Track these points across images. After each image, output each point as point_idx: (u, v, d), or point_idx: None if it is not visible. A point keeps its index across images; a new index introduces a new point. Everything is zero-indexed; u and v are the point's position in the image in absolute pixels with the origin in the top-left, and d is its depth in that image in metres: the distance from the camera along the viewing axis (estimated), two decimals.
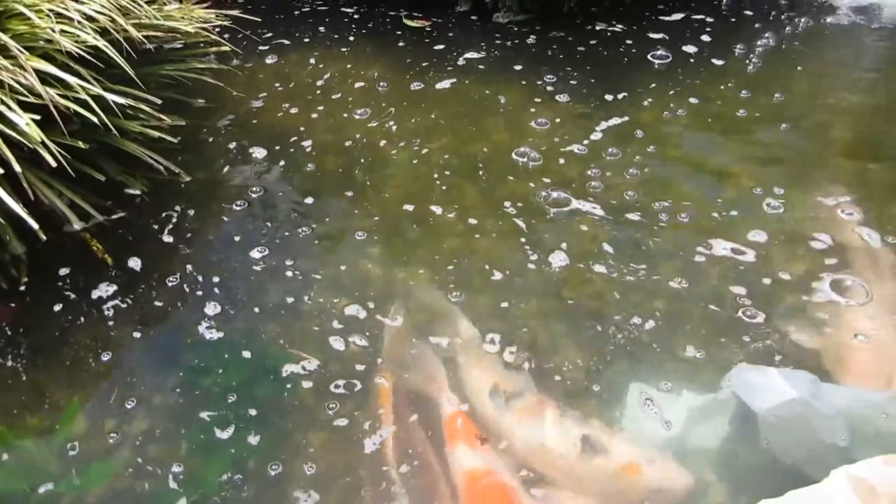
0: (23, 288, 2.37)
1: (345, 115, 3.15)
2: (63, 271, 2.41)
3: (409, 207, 2.67)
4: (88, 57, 2.42)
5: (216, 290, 2.35)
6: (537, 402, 1.99)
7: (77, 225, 2.56)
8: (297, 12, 3.90)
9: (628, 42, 3.54)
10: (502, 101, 3.18)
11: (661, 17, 3.73)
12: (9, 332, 2.25)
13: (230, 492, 1.84)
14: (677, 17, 3.73)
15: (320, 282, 2.38)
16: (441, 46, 3.55)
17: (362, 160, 2.91)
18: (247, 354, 2.14)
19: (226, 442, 1.94)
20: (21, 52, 2.32)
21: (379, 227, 2.59)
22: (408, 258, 2.47)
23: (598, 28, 3.64)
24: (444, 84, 3.31)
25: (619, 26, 3.64)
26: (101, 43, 2.43)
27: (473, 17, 3.79)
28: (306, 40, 3.67)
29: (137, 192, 2.72)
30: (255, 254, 2.48)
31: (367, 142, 3.00)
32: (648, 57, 3.42)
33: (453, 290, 2.33)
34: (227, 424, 1.97)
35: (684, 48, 3.46)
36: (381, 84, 3.33)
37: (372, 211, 2.67)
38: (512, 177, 2.78)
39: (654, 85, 3.22)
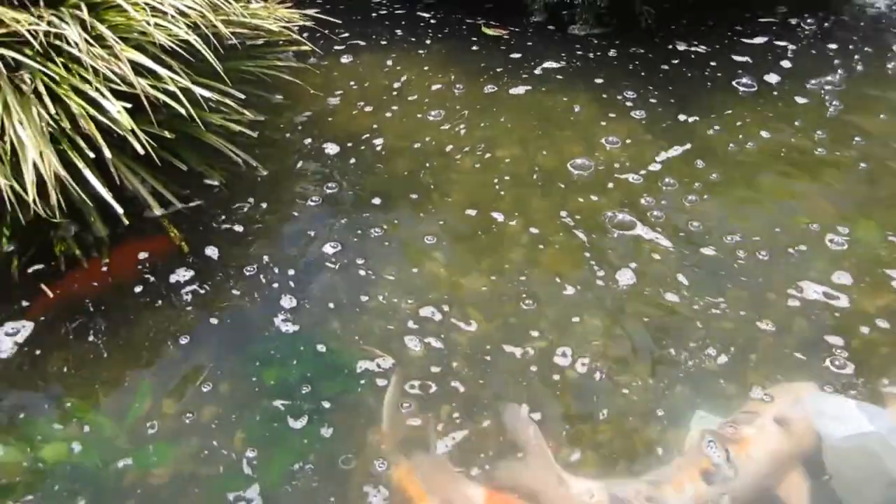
0: (104, 269, 2.43)
1: (418, 115, 3.19)
2: (142, 255, 2.47)
3: (472, 213, 2.69)
4: (179, 50, 2.48)
5: (291, 283, 2.38)
6: None
7: (157, 211, 2.62)
8: (374, 14, 3.95)
9: (712, 64, 3.50)
10: (576, 110, 3.18)
11: (744, 40, 3.67)
12: (92, 310, 2.31)
13: (301, 481, 1.86)
14: (759, 41, 3.67)
15: (392, 282, 2.39)
16: (518, 55, 3.56)
17: (428, 164, 2.93)
18: (321, 348, 2.17)
19: (298, 432, 1.96)
20: (117, 42, 2.39)
21: (445, 232, 2.61)
22: (476, 265, 2.48)
23: (679, 47, 3.61)
24: (519, 90, 3.32)
25: (702, 47, 3.60)
26: (192, 38, 2.49)
27: (550, 28, 3.78)
28: (383, 42, 3.71)
29: (215, 182, 2.78)
30: (328, 249, 2.51)
31: (435, 145, 3.03)
32: (733, 83, 3.36)
33: (525, 299, 2.33)
34: (300, 415, 1.99)
35: (766, 77, 3.40)
36: (457, 87, 3.35)
37: (437, 215, 2.69)
38: (576, 190, 2.78)
39: (729, 111, 3.18)
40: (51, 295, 2.35)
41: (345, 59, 3.57)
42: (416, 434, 1.95)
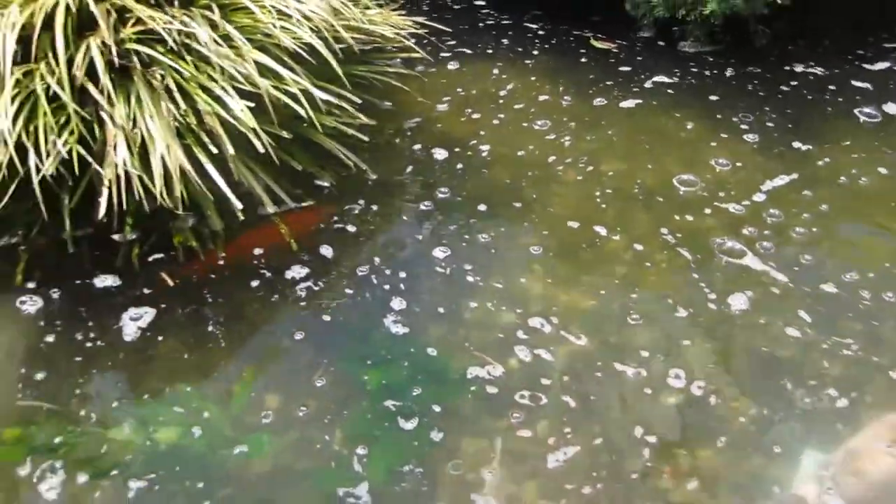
0: (221, 262, 2.50)
1: (524, 124, 3.19)
2: (258, 251, 2.53)
3: (574, 225, 2.67)
4: (302, 53, 2.54)
5: (402, 285, 2.40)
6: None
7: (270, 209, 2.68)
8: (480, 24, 3.97)
9: (831, 88, 3.39)
10: (688, 127, 3.12)
11: (864, 65, 3.54)
12: (209, 300, 2.38)
13: (410, 483, 1.87)
14: (881, 66, 3.54)
15: (500, 291, 2.39)
16: (627, 68, 3.53)
17: (531, 173, 2.93)
18: (431, 352, 2.18)
19: (409, 433, 1.97)
20: (244, 43, 2.47)
21: (549, 243, 2.59)
22: (581, 278, 2.46)
23: (797, 69, 3.51)
24: (629, 104, 3.29)
25: (819, 69, 3.49)
26: (316, 42, 2.55)
27: (660, 43, 3.74)
28: (489, 51, 3.73)
29: (326, 183, 2.83)
30: (438, 253, 2.53)
31: (539, 154, 3.02)
32: (854, 111, 3.25)
33: (633, 316, 2.29)
34: (411, 416, 2.00)
35: (885, 107, 3.26)
36: (565, 98, 3.34)
37: (541, 225, 2.67)
38: (681, 210, 2.72)
39: (847, 142, 3.06)
40: (170, 283, 2.43)
41: (451, 67, 3.60)
42: (525, 446, 1.94)
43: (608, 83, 3.43)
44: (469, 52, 3.73)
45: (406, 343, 2.21)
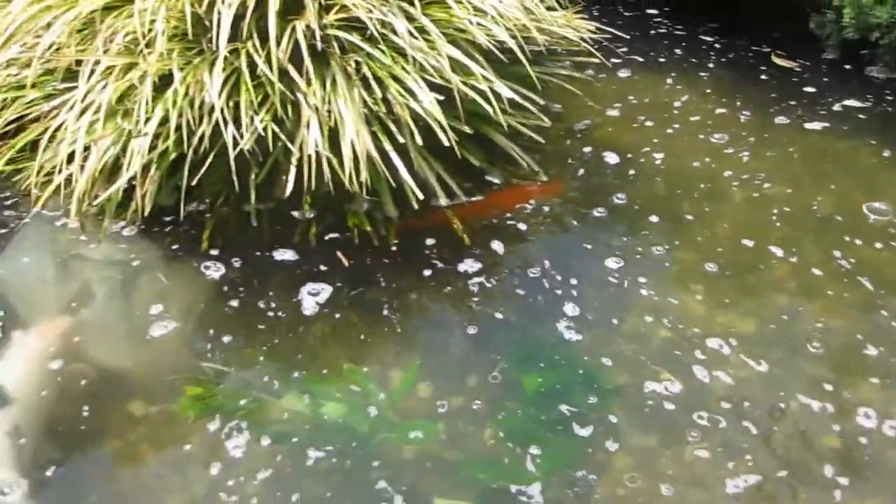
0: (393, 248, 2.56)
1: (700, 136, 3.11)
2: (430, 241, 2.57)
3: (748, 243, 2.58)
4: (494, 50, 2.56)
5: (574, 292, 2.38)
6: None
7: (443, 201, 2.72)
8: (652, 32, 3.90)
9: None
10: (885, 155, 2.95)
11: None
12: (382, 284, 2.43)
13: (584, 489, 1.85)
14: None
15: (676, 307, 2.34)
16: (812, 89, 3.38)
17: (703, 185, 2.85)
18: (607, 362, 2.16)
19: (584, 440, 1.95)
20: (439, 36, 2.50)
21: (725, 261, 2.51)
22: (759, 301, 2.37)
23: None
24: (814, 126, 3.14)
25: None
26: (510, 40, 2.56)
27: (846, 67, 3.56)
28: (661, 60, 3.65)
29: (496, 180, 2.84)
30: (611, 264, 2.49)
31: (716, 167, 2.94)
32: None
33: (817, 347, 2.19)
34: (586, 423, 1.98)
35: None
36: (744, 113, 3.23)
37: (714, 242, 2.60)
38: (867, 241, 2.58)
39: None
40: (346, 263, 2.50)
41: (622, 73, 3.55)
42: (704, 468, 1.88)
43: (791, 102, 3.29)
44: (641, 59, 3.67)
45: (580, 350, 2.19)
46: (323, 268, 2.47)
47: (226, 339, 2.25)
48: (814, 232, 2.65)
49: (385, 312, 2.34)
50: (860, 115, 3.20)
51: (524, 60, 2.59)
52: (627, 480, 1.86)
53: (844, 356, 2.18)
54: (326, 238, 2.59)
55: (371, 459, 1.94)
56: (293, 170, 2.39)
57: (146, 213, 2.43)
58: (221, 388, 2.12)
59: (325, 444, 1.97)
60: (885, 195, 2.76)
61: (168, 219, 2.60)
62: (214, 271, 2.45)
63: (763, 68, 3.56)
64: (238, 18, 2.37)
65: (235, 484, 1.86)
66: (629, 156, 2.99)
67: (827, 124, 3.14)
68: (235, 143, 2.30)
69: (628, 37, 3.64)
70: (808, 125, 3.15)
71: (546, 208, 2.73)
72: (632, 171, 2.92)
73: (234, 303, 2.35)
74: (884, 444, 1.94)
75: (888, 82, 3.44)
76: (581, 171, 2.93)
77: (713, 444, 1.93)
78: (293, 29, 2.40)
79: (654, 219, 2.69)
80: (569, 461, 1.91)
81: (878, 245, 2.56)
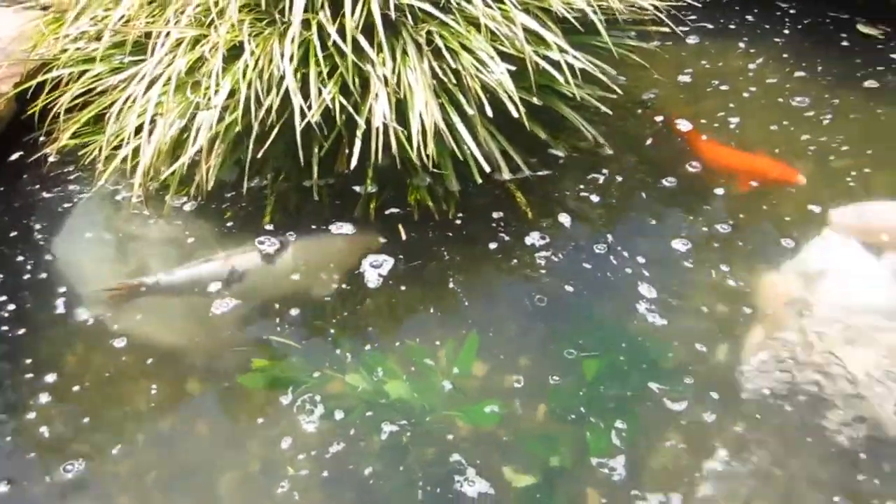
0: (458, 222, 2.52)
1: (779, 99, 3.02)
2: (496, 215, 2.53)
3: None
4: (570, 18, 2.47)
5: (645, 272, 2.33)
6: None
7: (507, 175, 2.66)
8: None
9: None
10: None
11: None
12: (446, 258, 2.41)
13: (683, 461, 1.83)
14: None
15: (749, 294, 2.27)
16: None
17: (778, 150, 2.76)
18: (701, 348, 2.12)
19: (678, 414, 1.95)
20: (514, 5, 2.42)
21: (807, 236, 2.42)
22: None
23: None
24: None
25: None
26: (589, 9, 2.47)
27: None
28: (732, 27, 3.52)
29: (561, 153, 2.78)
30: (679, 245, 2.43)
31: (794, 130, 2.85)
32: None
33: None
34: (679, 399, 1.97)
35: None
36: (827, 78, 3.12)
37: (797, 214, 2.52)
38: None
39: None
40: (404, 237, 2.47)
41: (691, 41, 3.43)
42: None
43: (879, 68, 3.17)
44: (710, 26, 3.53)
45: (668, 333, 2.16)
46: (382, 240, 2.46)
47: (294, 312, 2.25)
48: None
49: (448, 285, 2.32)
50: None
51: (601, 30, 2.49)
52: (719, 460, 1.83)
53: None
54: (387, 212, 2.56)
55: (425, 436, 1.95)
56: (358, 143, 2.36)
57: (209, 189, 2.42)
58: (286, 362, 2.13)
59: (376, 420, 1.99)
60: None
61: (229, 195, 2.60)
62: (269, 246, 2.44)
63: (843, 35, 3.41)
64: None
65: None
66: (703, 121, 2.92)
67: None
68: (303, 116, 2.27)
69: (691, 3, 3.50)
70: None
71: (610, 182, 2.67)
72: (704, 137, 2.84)
73: (296, 276, 2.34)
74: None
75: None
76: (650, 141, 2.86)
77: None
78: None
79: (719, 191, 2.62)
80: (662, 436, 1.90)
81: None
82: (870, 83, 3.08)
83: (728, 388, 2.02)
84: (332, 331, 2.22)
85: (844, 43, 3.35)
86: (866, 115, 2.92)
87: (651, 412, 1.96)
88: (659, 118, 2.96)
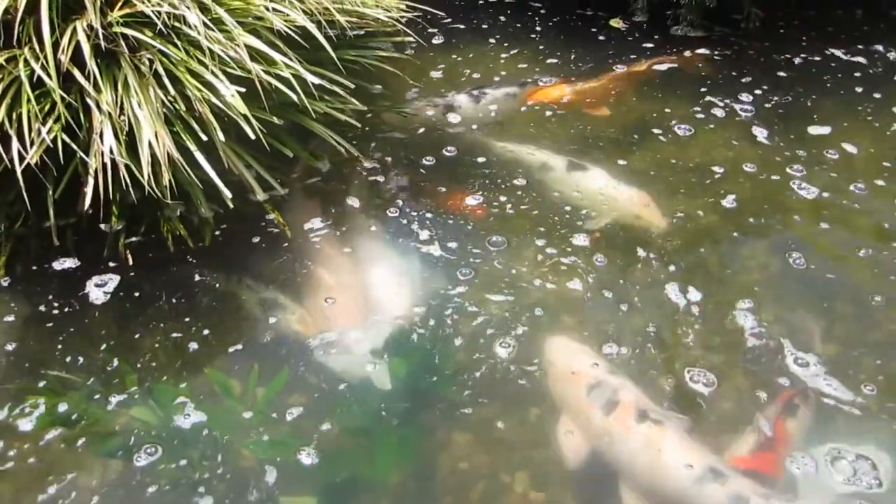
0: (213, 248, 2.49)
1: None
2: (255, 239, 2.55)
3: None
4: (294, 36, 2.48)
5: None
6: None
7: (260, 196, 2.64)
8: (480, 1, 3.97)
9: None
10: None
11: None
12: (206, 283, 2.37)
13: None
14: None
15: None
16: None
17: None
18: None
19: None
20: (235, 26, 2.39)
21: None
22: None
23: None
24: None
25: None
26: (310, 25, 2.48)
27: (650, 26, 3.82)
28: (485, 27, 3.76)
29: (324, 166, 2.84)
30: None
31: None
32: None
33: None
34: None
35: None
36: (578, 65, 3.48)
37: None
38: None
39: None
40: (130, 262, 2.42)
41: (440, 41, 3.63)
42: None
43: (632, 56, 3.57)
44: (462, 27, 3.73)
45: None
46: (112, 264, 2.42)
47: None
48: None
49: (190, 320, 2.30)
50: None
51: (326, 44, 2.52)
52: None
53: None
54: (137, 246, 2.47)
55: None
56: (91, 181, 2.24)
57: None
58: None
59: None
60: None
61: None
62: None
63: (594, 30, 3.77)
64: (9, 23, 2.19)
65: None
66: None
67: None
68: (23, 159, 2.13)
69: (445, 9, 3.63)
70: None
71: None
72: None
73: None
74: None
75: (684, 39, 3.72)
76: (402, 152, 2.95)
77: None
78: (74, 29, 2.24)
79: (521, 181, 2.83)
80: None
81: None
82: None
83: None
84: None
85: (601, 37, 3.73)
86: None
87: None
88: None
